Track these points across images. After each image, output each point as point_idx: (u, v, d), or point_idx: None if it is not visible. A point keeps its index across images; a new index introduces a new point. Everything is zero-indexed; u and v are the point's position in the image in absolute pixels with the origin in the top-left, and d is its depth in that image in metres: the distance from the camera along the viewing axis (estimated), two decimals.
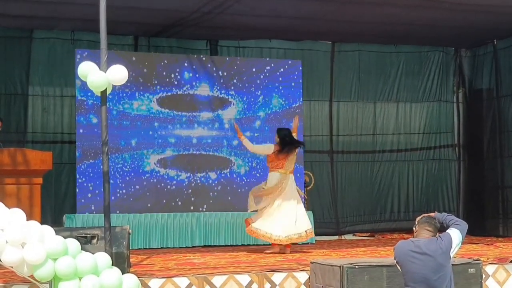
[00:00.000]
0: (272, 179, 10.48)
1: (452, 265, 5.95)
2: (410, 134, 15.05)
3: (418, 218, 6.09)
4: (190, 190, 12.41)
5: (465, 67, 15.12)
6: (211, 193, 12.52)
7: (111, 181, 11.35)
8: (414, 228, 6.04)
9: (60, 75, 12.83)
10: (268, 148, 10.68)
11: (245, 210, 12.34)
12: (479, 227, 13.65)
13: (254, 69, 12.98)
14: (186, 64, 12.64)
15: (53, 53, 12.84)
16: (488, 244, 11.61)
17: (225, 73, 12.81)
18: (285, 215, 10.34)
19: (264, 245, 12.15)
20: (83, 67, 7.16)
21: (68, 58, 12.28)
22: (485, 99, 14.45)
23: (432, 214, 6.17)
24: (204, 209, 12.35)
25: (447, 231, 6.00)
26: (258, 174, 12.73)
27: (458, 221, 6.09)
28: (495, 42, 14.20)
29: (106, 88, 7.16)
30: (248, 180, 12.70)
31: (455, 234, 5.93)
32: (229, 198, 12.57)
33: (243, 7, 11.34)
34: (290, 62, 13.38)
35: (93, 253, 6.70)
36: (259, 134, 12.80)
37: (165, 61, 12.55)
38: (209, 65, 12.81)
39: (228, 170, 12.65)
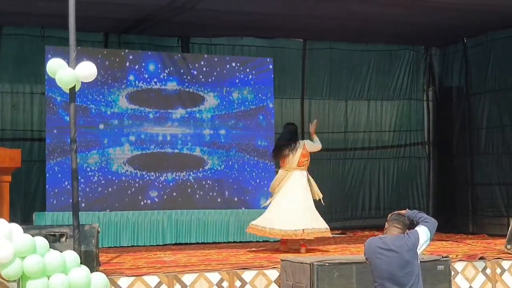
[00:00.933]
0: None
1: (421, 262, 5.99)
2: (381, 132, 15.13)
3: (389, 215, 6.13)
4: (161, 188, 12.35)
5: (435, 66, 15.20)
6: (182, 191, 12.47)
7: (81, 179, 11.34)
8: (385, 225, 6.09)
9: (29, 72, 12.72)
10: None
11: (215, 208, 12.38)
12: (449, 224, 13.72)
13: (226, 67, 12.95)
14: (157, 61, 12.57)
15: (23, 50, 12.72)
16: (457, 241, 11.69)
17: (196, 71, 12.76)
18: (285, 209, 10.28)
19: (234, 242, 12.18)
20: (52, 64, 7.13)
21: (38, 55, 12.15)
22: (455, 97, 14.54)
23: (403, 211, 6.21)
24: (176, 207, 12.29)
25: (416, 228, 6.04)
26: (230, 169, 12.72)
27: (427, 218, 6.14)
28: (465, 41, 14.28)
29: (74, 85, 7.12)
30: (220, 177, 12.67)
31: (423, 231, 5.97)
32: (201, 196, 12.53)
33: (214, 3, 11.31)
34: (261, 59, 13.36)
35: (61, 252, 6.67)
36: (227, 132, 12.79)
37: (136, 58, 12.48)
38: (180, 63, 12.76)
39: (200, 168, 12.61)
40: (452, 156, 14.56)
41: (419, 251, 5.90)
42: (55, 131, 11.80)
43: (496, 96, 13.54)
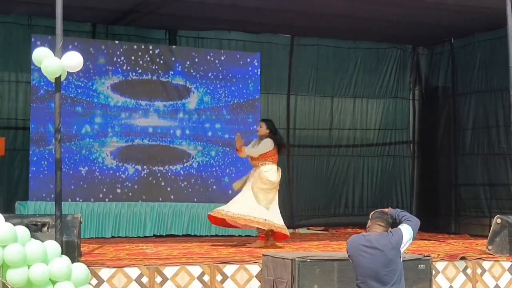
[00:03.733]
0: (273, 173, 10.25)
1: (403, 260, 6.00)
2: (366, 129, 15.14)
3: (371, 213, 6.14)
4: (145, 180, 12.33)
5: (422, 65, 15.23)
6: (166, 184, 12.45)
7: (64, 169, 11.30)
8: (368, 223, 6.10)
9: (15, 61, 12.63)
10: (270, 144, 10.28)
11: (200, 201, 12.38)
12: (432, 224, 13.75)
13: (212, 60, 12.93)
14: (144, 53, 12.53)
15: (9, 38, 12.63)
16: (439, 241, 11.73)
17: (183, 64, 12.74)
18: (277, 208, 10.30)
19: (217, 236, 12.18)
20: (38, 53, 7.11)
21: (24, 44, 12.09)
22: (441, 97, 14.59)
23: (386, 209, 6.22)
24: (159, 200, 12.28)
25: (399, 226, 6.06)
26: (215, 163, 12.72)
27: (410, 217, 6.15)
28: (452, 41, 14.32)
29: (60, 75, 7.09)
30: (204, 170, 12.66)
31: (406, 230, 5.98)
32: (185, 189, 12.52)
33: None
34: (248, 54, 13.35)
35: (43, 241, 6.66)
36: (212, 126, 12.78)
37: (123, 49, 12.44)
38: (167, 55, 12.73)
39: (185, 160, 12.60)
40: (436, 156, 14.61)
41: (402, 250, 5.91)
42: (39, 120, 11.75)
43: (482, 97, 13.57)
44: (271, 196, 10.23)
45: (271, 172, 10.22)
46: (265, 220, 10.09)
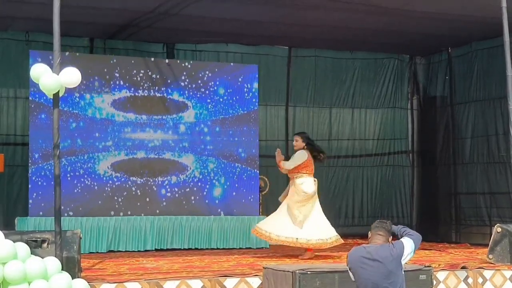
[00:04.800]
0: (310, 185, 10.31)
1: (404, 271, 5.99)
2: (364, 140, 15.16)
3: (372, 225, 6.14)
4: (144, 194, 12.31)
5: (419, 75, 15.27)
6: (165, 197, 12.44)
7: (64, 184, 11.27)
8: (368, 234, 6.10)
9: (14, 76, 12.67)
10: (302, 155, 10.35)
11: (200, 214, 12.35)
12: (432, 233, 13.77)
13: (210, 73, 12.92)
14: (142, 67, 12.54)
15: (7, 54, 12.68)
16: (440, 250, 11.72)
17: (181, 77, 12.74)
18: (320, 219, 10.38)
19: (217, 249, 12.16)
20: (36, 69, 7.10)
21: (23, 59, 12.12)
22: (439, 107, 14.61)
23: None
24: (158, 213, 12.27)
25: (401, 239, 6.06)
26: (214, 175, 12.71)
27: (412, 231, 6.17)
28: (450, 50, 14.35)
29: (58, 91, 7.09)
30: (203, 184, 12.65)
31: (408, 243, 5.98)
32: (184, 202, 12.50)
33: (199, 9, 11.30)
34: (247, 66, 13.37)
35: (43, 258, 6.64)
36: (212, 139, 12.79)
37: (121, 64, 12.44)
38: (165, 69, 12.73)
39: (183, 174, 12.59)
40: (436, 165, 14.61)
41: (403, 262, 5.91)
42: (38, 136, 11.74)
43: (481, 105, 13.60)
44: (307, 208, 10.25)
45: (306, 184, 10.28)
46: (296, 239, 10.13)
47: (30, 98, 11.83)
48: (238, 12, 11.68)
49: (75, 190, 11.91)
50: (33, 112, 11.80)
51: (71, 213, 11.58)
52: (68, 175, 11.82)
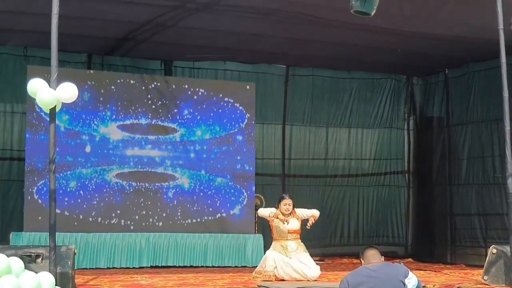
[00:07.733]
0: None
1: None
2: (361, 159, 15.16)
3: (360, 252, 6.09)
4: (139, 211, 12.30)
5: (416, 95, 15.29)
6: (160, 215, 12.42)
7: (59, 199, 11.27)
8: (361, 260, 6.04)
9: (11, 91, 12.68)
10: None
11: (196, 231, 12.33)
12: (428, 254, 13.75)
13: (208, 91, 12.95)
14: (139, 84, 12.56)
15: (5, 69, 12.68)
16: (435, 271, 11.70)
17: (179, 94, 12.77)
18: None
19: (212, 266, 12.13)
20: (33, 84, 7.11)
21: (20, 74, 12.12)
22: (436, 127, 14.63)
23: None
24: (153, 230, 12.25)
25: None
26: (208, 196, 12.70)
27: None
28: (447, 71, 14.38)
29: (55, 106, 7.10)
30: (199, 201, 12.64)
31: (414, 276, 5.94)
32: (179, 219, 12.49)
33: (197, 22, 11.28)
34: (244, 84, 13.40)
35: (37, 273, 6.62)
36: (208, 156, 12.79)
37: (119, 80, 12.47)
38: (163, 85, 12.76)
39: (178, 191, 12.58)
40: (432, 185, 14.61)
41: (406, 282, 5.84)
42: (34, 151, 11.74)
43: (477, 127, 13.61)
44: None
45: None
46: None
47: (27, 113, 11.82)
48: (235, 31, 11.68)
49: (70, 205, 11.89)
50: (29, 127, 11.80)
51: (65, 230, 11.53)
52: (64, 190, 11.81)
